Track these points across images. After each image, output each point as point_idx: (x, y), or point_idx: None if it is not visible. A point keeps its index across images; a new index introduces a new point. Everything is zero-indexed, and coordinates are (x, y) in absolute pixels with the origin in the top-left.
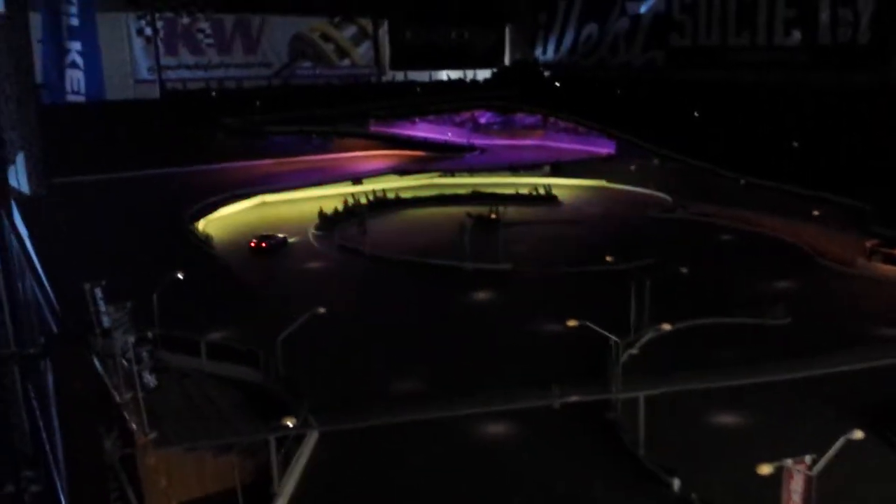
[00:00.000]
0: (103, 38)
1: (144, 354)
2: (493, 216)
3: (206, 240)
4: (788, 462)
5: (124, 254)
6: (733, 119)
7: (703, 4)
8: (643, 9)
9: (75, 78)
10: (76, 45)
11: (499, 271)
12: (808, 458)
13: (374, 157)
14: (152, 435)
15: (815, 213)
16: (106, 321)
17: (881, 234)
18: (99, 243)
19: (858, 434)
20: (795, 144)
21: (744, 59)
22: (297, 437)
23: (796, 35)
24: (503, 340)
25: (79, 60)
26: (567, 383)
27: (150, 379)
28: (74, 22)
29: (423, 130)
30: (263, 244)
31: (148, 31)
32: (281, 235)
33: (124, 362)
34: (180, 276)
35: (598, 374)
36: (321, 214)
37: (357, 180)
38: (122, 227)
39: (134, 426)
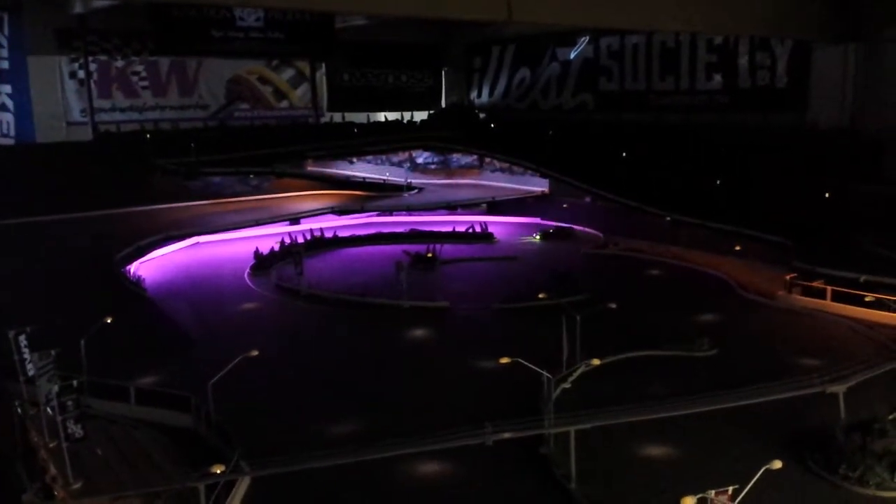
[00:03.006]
0: (34, 81)
1: (70, 403)
2: (430, 254)
3: (137, 282)
4: (711, 493)
5: (53, 298)
6: (660, 159)
7: (629, 51)
8: (572, 55)
9: (4, 121)
10: (6, 88)
11: (436, 309)
12: (730, 489)
13: (312, 196)
14: (77, 485)
15: (737, 248)
16: (30, 369)
17: (800, 268)
18: (26, 288)
19: (777, 464)
20: (718, 182)
21: (668, 103)
22: (228, 483)
23: (717, 79)
24: (439, 379)
25: (8, 103)
26: (501, 419)
27: (76, 429)
28: (4, 65)
29: (361, 170)
30: None
31: (81, 73)
32: None
33: (49, 411)
34: (109, 320)
35: (532, 409)
36: (257, 254)
37: (294, 220)
38: (51, 271)
39: (57, 475)
